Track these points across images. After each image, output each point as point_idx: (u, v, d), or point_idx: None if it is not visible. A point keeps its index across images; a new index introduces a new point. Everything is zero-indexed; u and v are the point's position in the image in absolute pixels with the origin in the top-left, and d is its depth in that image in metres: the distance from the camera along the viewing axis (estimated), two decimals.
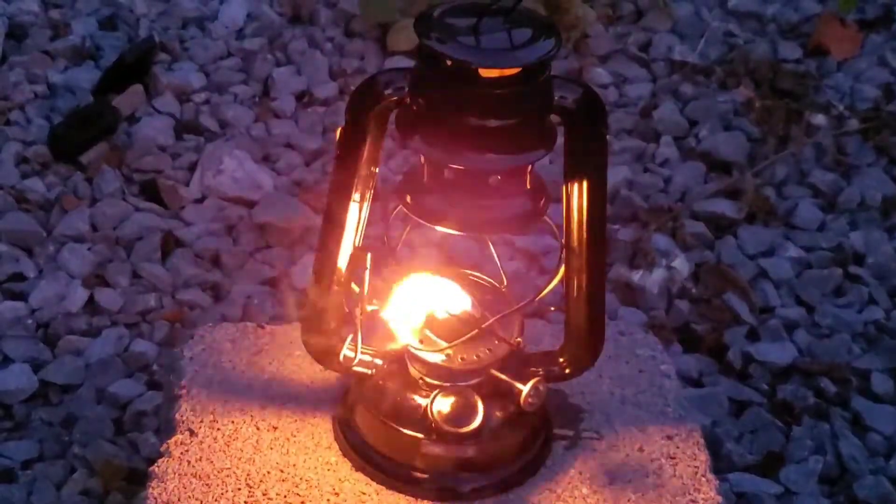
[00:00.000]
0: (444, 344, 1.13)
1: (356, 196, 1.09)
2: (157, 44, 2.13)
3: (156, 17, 2.23)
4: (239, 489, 1.14)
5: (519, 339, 1.15)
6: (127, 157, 1.92)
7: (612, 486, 1.17)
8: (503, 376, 1.14)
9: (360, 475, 1.16)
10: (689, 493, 1.17)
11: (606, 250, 1.13)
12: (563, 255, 1.12)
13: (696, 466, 1.20)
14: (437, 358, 1.13)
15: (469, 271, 1.20)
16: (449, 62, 1.00)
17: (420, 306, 1.15)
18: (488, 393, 1.14)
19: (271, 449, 1.18)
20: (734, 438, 1.55)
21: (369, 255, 1.13)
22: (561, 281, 1.14)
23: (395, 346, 1.16)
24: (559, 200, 1.10)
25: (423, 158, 1.07)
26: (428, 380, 1.14)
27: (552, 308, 1.17)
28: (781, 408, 1.60)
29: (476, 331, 1.12)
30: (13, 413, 1.55)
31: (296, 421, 1.21)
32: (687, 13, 2.32)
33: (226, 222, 1.82)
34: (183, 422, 1.20)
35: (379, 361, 1.17)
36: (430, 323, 1.14)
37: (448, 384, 1.14)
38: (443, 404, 1.13)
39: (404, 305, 1.15)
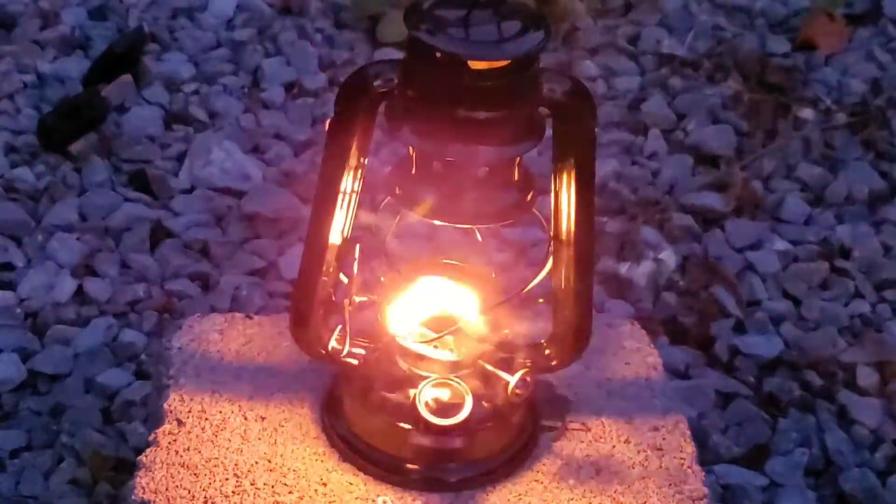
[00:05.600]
0: (431, 335, 1.13)
1: (345, 187, 1.09)
2: (146, 34, 2.13)
3: (145, 8, 2.22)
4: (227, 479, 1.15)
5: (506, 331, 1.15)
6: (116, 148, 1.92)
7: (599, 477, 1.18)
8: (491, 368, 1.15)
9: (347, 466, 1.17)
10: (676, 485, 1.18)
11: (594, 242, 1.14)
12: (551, 247, 1.13)
13: (682, 458, 1.20)
14: (424, 349, 1.13)
15: (457, 262, 1.20)
16: (438, 54, 1.00)
17: (410, 298, 1.15)
18: (476, 384, 1.14)
19: (259, 439, 1.18)
20: (720, 430, 1.56)
21: (358, 247, 1.13)
22: (549, 273, 1.14)
23: (382, 337, 1.16)
24: (548, 192, 1.10)
25: (411, 150, 1.07)
26: (415, 371, 1.15)
27: (540, 300, 1.18)
28: (767, 400, 1.61)
29: (463, 322, 1.13)
30: (1, 402, 1.55)
31: (284, 411, 1.21)
32: (676, 6, 2.33)
33: (215, 213, 1.82)
34: (171, 412, 1.21)
35: (367, 352, 1.18)
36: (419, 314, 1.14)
37: (436, 375, 1.14)
38: (430, 396, 1.13)
39: (396, 298, 1.15)
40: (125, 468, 1.41)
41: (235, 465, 1.16)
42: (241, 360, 1.26)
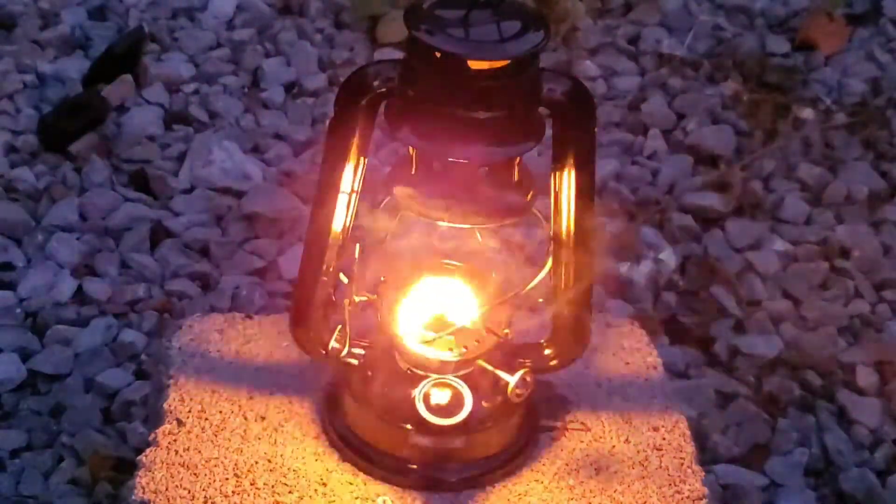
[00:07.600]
0: (431, 335, 1.13)
1: (345, 187, 1.09)
2: (146, 34, 2.13)
3: (146, 8, 2.23)
4: (227, 479, 1.15)
5: (507, 331, 1.15)
6: (116, 148, 1.92)
7: (599, 476, 1.18)
8: (491, 368, 1.15)
9: (347, 465, 1.17)
10: (675, 485, 1.18)
11: (594, 242, 1.14)
12: (551, 247, 1.13)
13: (682, 458, 1.20)
14: (424, 349, 1.14)
15: (457, 262, 1.20)
16: (438, 54, 1.00)
17: (410, 298, 1.15)
18: (476, 384, 1.14)
19: (259, 439, 1.18)
20: (720, 430, 1.56)
21: (358, 246, 1.13)
22: (549, 273, 1.14)
23: (382, 337, 1.16)
24: (548, 192, 1.10)
25: (411, 150, 1.07)
26: (415, 371, 1.15)
27: (540, 300, 1.18)
28: (767, 400, 1.61)
29: (463, 322, 1.13)
30: (1, 402, 1.55)
31: (283, 411, 1.21)
32: (675, 7, 2.33)
33: (215, 213, 1.82)
34: (171, 411, 1.21)
35: (366, 352, 1.18)
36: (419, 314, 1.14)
37: (436, 375, 1.14)
38: (430, 395, 1.13)
39: (396, 297, 1.15)
40: (125, 468, 1.41)
41: (235, 465, 1.16)
42: (241, 360, 1.26)
